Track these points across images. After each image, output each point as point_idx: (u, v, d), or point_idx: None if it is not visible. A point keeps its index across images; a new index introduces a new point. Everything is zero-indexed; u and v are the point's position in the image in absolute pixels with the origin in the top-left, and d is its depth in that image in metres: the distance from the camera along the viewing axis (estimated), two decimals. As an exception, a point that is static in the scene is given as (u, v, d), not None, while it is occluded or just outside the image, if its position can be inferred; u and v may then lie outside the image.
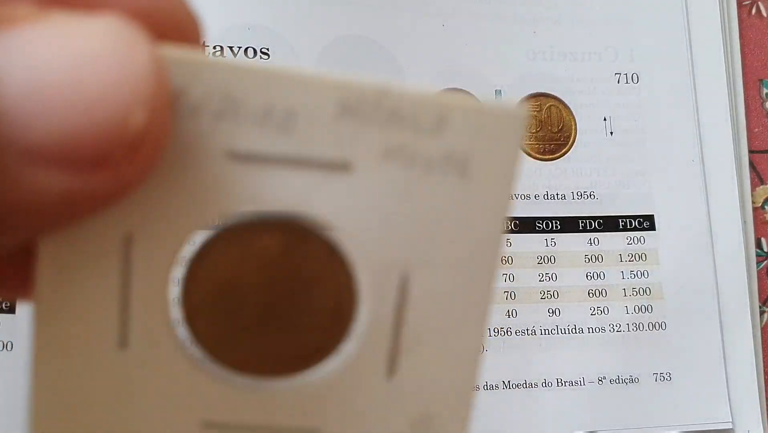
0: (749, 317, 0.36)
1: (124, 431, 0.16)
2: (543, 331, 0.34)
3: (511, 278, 0.35)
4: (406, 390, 0.16)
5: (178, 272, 0.15)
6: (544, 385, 0.34)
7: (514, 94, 0.36)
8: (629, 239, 0.36)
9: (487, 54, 0.36)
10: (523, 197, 0.35)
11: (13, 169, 0.12)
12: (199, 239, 0.15)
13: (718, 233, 0.36)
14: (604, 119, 0.36)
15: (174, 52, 0.14)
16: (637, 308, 0.35)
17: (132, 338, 0.15)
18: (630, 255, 0.35)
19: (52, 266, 0.15)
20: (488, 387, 0.34)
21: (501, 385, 0.34)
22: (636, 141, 0.36)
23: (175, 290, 0.15)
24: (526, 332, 0.34)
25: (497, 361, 0.34)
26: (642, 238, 0.36)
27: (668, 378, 0.34)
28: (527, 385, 0.34)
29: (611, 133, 0.36)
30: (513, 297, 0.34)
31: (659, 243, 0.36)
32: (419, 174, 0.15)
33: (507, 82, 0.36)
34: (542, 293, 0.35)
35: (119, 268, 0.15)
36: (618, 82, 0.37)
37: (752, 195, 0.37)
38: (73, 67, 0.12)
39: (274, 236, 0.15)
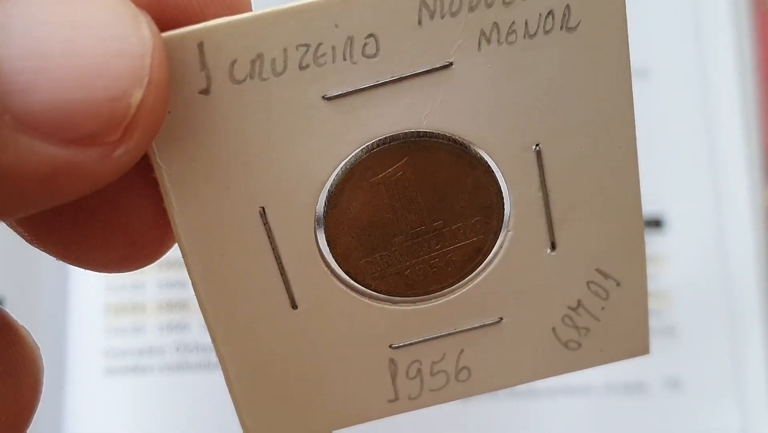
0: (762, 321, 0.35)
1: (320, 380, 0.17)
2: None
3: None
4: (573, 255, 0.17)
5: (318, 226, 0.16)
6: (548, 393, 0.33)
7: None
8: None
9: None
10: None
11: (3, 133, 0.11)
12: (327, 190, 0.16)
13: (730, 235, 0.35)
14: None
15: (223, 20, 0.14)
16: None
17: (299, 299, 0.16)
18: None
19: (205, 261, 0.16)
20: (490, 396, 0.33)
21: (503, 393, 0.33)
22: (644, 139, 0.35)
23: (321, 243, 0.16)
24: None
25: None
26: (651, 240, 0.35)
27: (678, 385, 0.34)
28: (531, 393, 0.33)
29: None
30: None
31: (668, 245, 0.35)
32: (523, 44, 0.15)
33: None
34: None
35: (265, 240, 0.16)
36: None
37: (766, 195, 0.36)
38: (70, 35, 0.11)
39: (396, 160, 0.16)
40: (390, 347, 0.17)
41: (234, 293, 0.16)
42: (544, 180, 0.16)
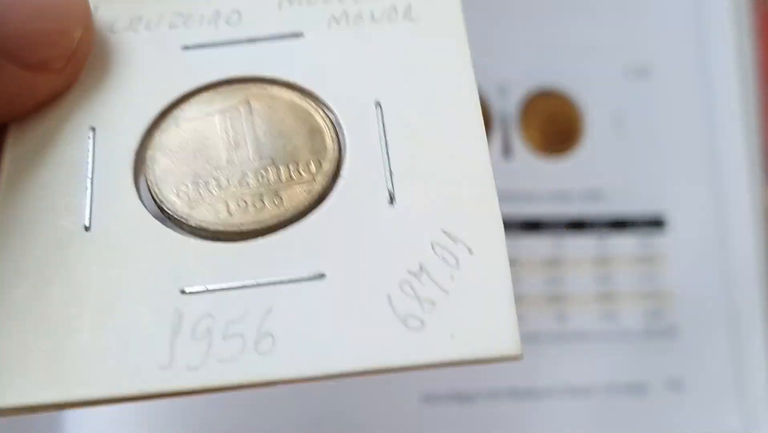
0: (763, 321, 0.35)
1: (98, 308, 0.14)
2: (548, 338, 0.34)
3: (515, 282, 0.34)
4: (414, 210, 0.16)
5: (142, 147, 0.16)
6: (549, 394, 0.33)
7: (519, 88, 0.35)
8: (639, 240, 0.35)
9: (492, 47, 0.36)
10: (526, 197, 0.35)
11: None
12: (159, 112, 0.17)
13: (730, 235, 0.35)
14: (613, 116, 0.35)
15: None
16: (646, 313, 0.34)
17: (96, 220, 0.15)
18: (640, 258, 0.35)
19: (17, 153, 0.16)
20: (490, 396, 0.33)
21: (504, 394, 0.33)
22: (646, 138, 0.35)
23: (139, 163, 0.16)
24: (530, 338, 0.33)
25: (500, 369, 0.33)
26: (652, 240, 0.35)
27: (679, 386, 0.34)
28: (532, 394, 0.33)
29: (620, 130, 0.35)
30: (517, 302, 0.34)
31: (670, 245, 0.35)
32: (369, 25, 0.17)
33: (512, 75, 0.36)
34: (547, 297, 0.34)
35: (83, 157, 0.16)
36: (627, 76, 0.36)
37: (766, 195, 0.36)
38: None
39: (235, 97, 0.17)
40: (182, 292, 0.14)
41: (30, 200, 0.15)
42: (384, 131, 0.16)
